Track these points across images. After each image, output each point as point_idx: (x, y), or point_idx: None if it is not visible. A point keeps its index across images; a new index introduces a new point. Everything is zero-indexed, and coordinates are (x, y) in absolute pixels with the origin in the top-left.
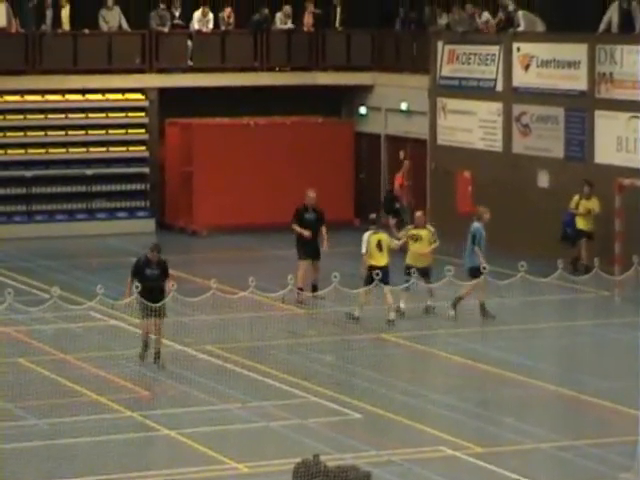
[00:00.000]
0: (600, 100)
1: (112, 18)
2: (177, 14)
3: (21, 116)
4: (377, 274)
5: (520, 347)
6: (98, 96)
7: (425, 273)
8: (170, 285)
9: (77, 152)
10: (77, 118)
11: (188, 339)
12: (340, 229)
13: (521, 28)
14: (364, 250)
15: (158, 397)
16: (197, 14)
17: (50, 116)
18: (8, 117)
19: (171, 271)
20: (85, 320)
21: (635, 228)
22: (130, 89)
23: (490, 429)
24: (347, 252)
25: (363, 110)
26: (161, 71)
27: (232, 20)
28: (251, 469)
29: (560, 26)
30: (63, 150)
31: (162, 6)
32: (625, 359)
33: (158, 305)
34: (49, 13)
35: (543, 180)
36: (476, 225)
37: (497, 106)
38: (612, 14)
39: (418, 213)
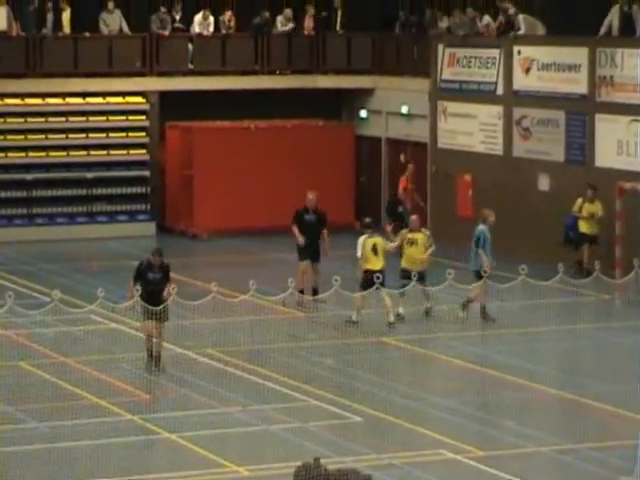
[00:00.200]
0: (601, 103)
1: (113, 21)
2: (178, 17)
3: (22, 119)
4: (378, 277)
5: (521, 350)
6: (99, 99)
7: (421, 277)
8: (171, 288)
9: (78, 155)
10: (78, 121)
11: (189, 342)
12: (341, 232)
13: (522, 31)
14: (359, 254)
15: (159, 400)
16: (198, 17)
17: (51, 119)
18: (9, 120)
19: (171, 274)
20: (86, 323)
21: (636, 231)
22: (131, 92)
23: (491, 432)
24: (348, 255)
25: (364, 113)
26: (162, 74)
27: (233, 23)
28: (252, 472)
29: (560, 29)
30: (64, 153)
31: (163, 9)
32: (626, 362)
33: (159, 308)
34: (50, 16)
35: (544, 183)
36: (481, 227)
37: (498, 109)
38: (613, 17)
39: (413, 217)
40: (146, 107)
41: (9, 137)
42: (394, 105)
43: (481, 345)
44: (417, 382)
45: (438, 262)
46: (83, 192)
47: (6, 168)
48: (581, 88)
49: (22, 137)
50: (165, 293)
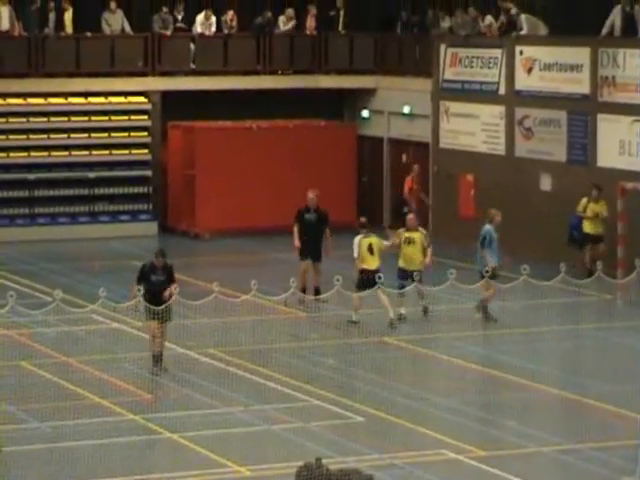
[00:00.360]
0: (603, 104)
1: (115, 21)
2: (180, 17)
3: (24, 119)
4: (379, 277)
5: (522, 350)
6: (101, 99)
7: (418, 278)
8: (173, 288)
9: (80, 155)
10: (80, 121)
11: (190, 342)
12: (343, 232)
13: (524, 31)
14: (356, 254)
15: (160, 400)
16: (200, 17)
17: (53, 119)
18: (11, 120)
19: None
20: (87, 323)
21: (638, 232)
22: (133, 92)
23: (492, 432)
24: (350, 255)
25: (366, 113)
26: (164, 74)
27: (235, 23)
28: (253, 472)
29: (563, 29)
30: (66, 153)
31: (165, 9)
32: (628, 362)
33: (161, 308)
34: (52, 16)
35: (546, 183)
36: (487, 227)
37: (500, 109)
38: (615, 17)
39: (410, 216)
40: (148, 107)
41: (11, 137)
42: (396, 105)
43: (483, 345)
44: (419, 382)
45: (440, 262)
46: (85, 192)
47: (8, 168)
48: (583, 88)
49: (24, 137)
50: (167, 293)
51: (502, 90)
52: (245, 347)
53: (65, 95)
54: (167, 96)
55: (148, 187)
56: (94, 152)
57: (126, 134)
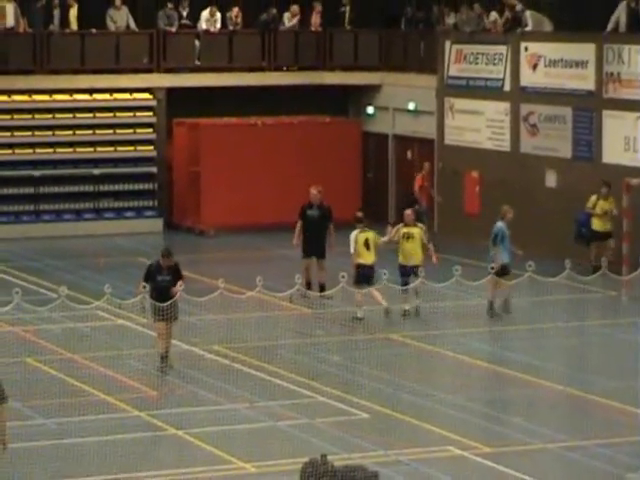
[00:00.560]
0: (608, 100)
1: (120, 18)
2: (185, 14)
3: (29, 116)
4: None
5: (528, 347)
6: (106, 96)
7: (415, 272)
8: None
9: (85, 152)
10: (85, 118)
11: (196, 339)
12: (348, 228)
13: (529, 28)
14: (352, 249)
15: (166, 397)
16: (205, 14)
17: (58, 116)
18: (16, 117)
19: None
20: (93, 320)
21: None
22: (138, 89)
23: (498, 429)
24: None
25: (370, 110)
26: (169, 71)
27: (240, 20)
28: (258, 469)
29: (568, 26)
30: (71, 150)
31: (170, 6)
32: (633, 359)
33: (166, 305)
34: (57, 13)
35: (551, 180)
36: (499, 225)
37: (505, 106)
38: (620, 14)
39: (407, 211)
40: (153, 103)
41: (16, 134)
42: (401, 101)
43: (488, 341)
44: (424, 379)
45: (445, 258)
46: (90, 188)
47: (13, 164)
48: (588, 84)
49: (29, 133)
50: (174, 291)
51: (507, 86)
52: (250, 344)
53: (70, 92)
54: (172, 93)
55: (153, 184)
56: (99, 149)
57: (131, 131)
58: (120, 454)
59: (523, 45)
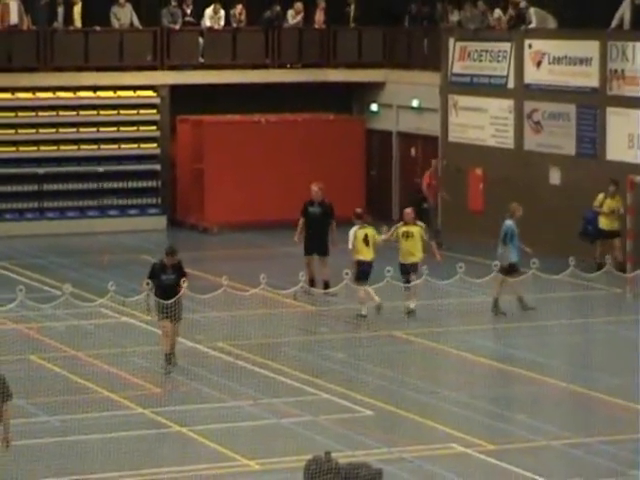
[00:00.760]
0: (612, 97)
1: (123, 15)
2: (188, 11)
3: (33, 113)
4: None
5: (532, 344)
6: (109, 93)
7: (414, 270)
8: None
9: (89, 149)
10: (89, 115)
11: (200, 336)
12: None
13: (533, 25)
14: (350, 245)
15: (169, 394)
16: (208, 11)
17: (62, 113)
18: (20, 114)
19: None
20: (96, 317)
21: None
22: (141, 86)
23: (501, 426)
24: None
25: (374, 107)
26: (172, 68)
27: (243, 17)
28: (262, 466)
29: (572, 23)
30: (75, 147)
31: (173, 3)
32: (636, 356)
33: (170, 302)
34: (61, 10)
35: (555, 177)
36: (508, 223)
37: (508, 103)
38: (624, 10)
39: (407, 210)
40: (157, 101)
41: (20, 131)
42: (405, 99)
43: (492, 339)
44: (428, 376)
45: (449, 256)
46: (94, 186)
47: (17, 162)
48: (592, 81)
49: (33, 131)
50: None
51: (511, 84)
52: (254, 341)
53: (74, 89)
54: (176, 90)
55: (157, 181)
56: (103, 146)
57: (135, 128)
58: (124, 451)
59: (527, 42)
